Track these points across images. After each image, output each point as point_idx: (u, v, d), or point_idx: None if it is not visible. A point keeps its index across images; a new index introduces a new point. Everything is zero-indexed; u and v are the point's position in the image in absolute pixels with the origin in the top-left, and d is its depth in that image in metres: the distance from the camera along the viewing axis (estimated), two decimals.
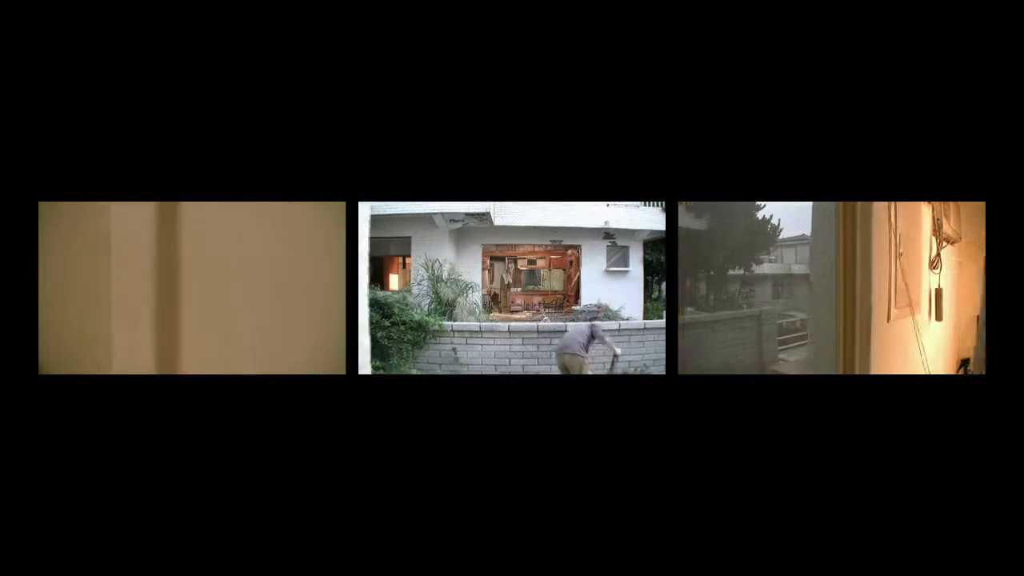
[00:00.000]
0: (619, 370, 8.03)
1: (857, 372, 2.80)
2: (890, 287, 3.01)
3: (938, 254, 3.52)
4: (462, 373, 7.92)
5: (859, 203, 2.89)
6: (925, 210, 3.46)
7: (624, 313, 9.53)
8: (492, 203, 10.05)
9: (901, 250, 3.10)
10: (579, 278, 10.80)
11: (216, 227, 2.59)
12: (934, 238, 3.52)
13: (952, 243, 3.80)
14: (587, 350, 6.47)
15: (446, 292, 9.28)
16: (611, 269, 10.82)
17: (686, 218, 2.68)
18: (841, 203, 2.88)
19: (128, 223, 2.49)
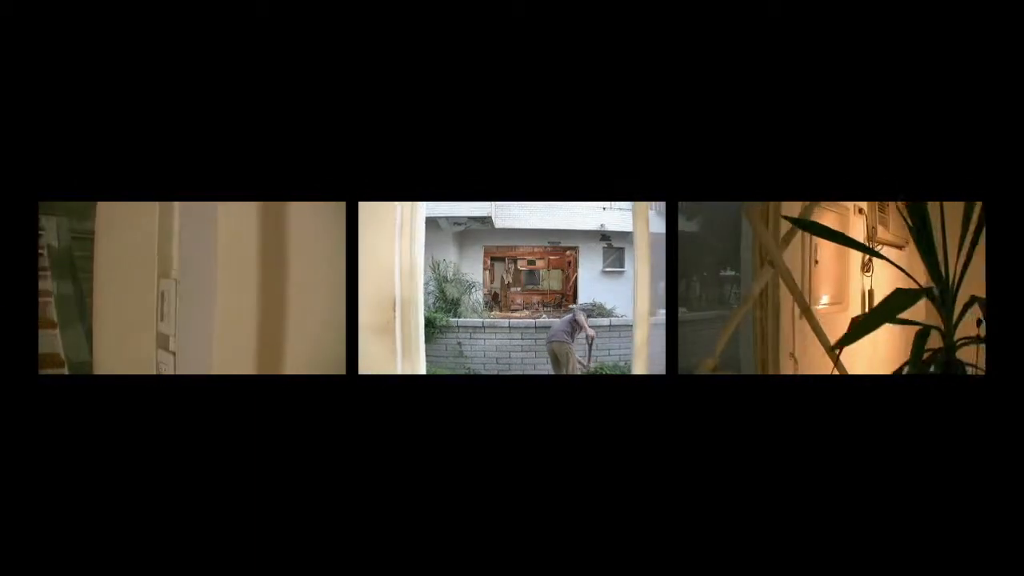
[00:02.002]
0: (611, 363, 7.97)
1: (770, 361, 2.94)
2: (803, 288, 3.07)
3: (868, 259, 3.65)
4: (466, 365, 7.90)
5: (771, 215, 2.94)
6: (857, 219, 3.62)
7: (618, 312, 9.45)
8: (493, 208, 9.93)
9: (817, 258, 3.16)
10: (576, 278, 10.67)
11: (320, 227, 2.54)
12: (870, 244, 3.66)
13: (899, 248, 3.90)
14: (572, 337, 6.80)
15: (451, 291, 9.21)
16: (607, 270, 10.68)
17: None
18: (758, 211, 2.94)
19: (231, 223, 2.38)
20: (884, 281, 3.71)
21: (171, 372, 2.53)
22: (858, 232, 3.63)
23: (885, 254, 3.15)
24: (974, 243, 2.26)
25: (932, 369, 2.25)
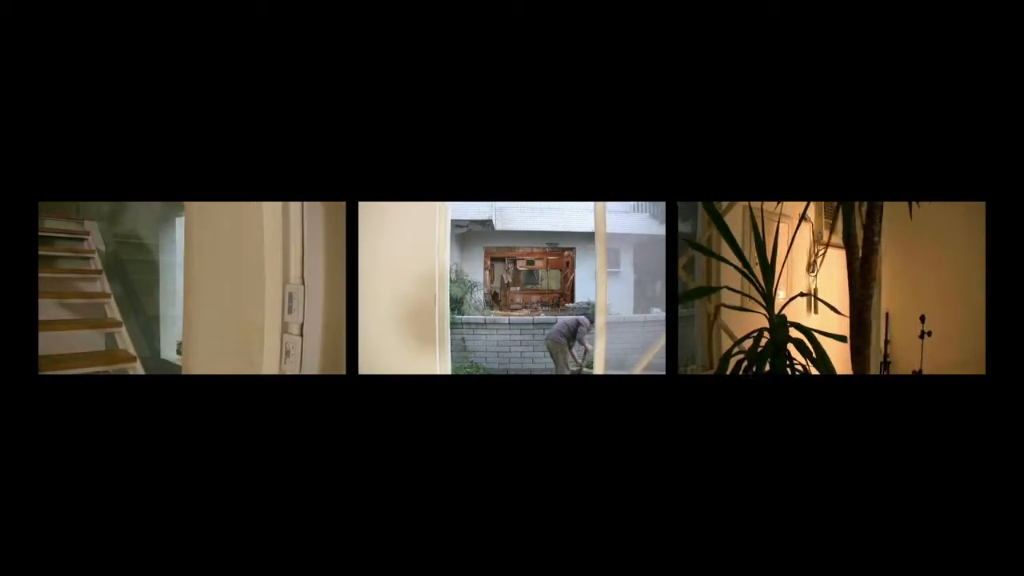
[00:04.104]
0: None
1: (713, 352, 3.19)
2: (742, 286, 3.19)
3: (813, 261, 3.95)
4: (469, 358, 7.86)
5: (716, 219, 3.06)
6: (803, 225, 3.89)
7: (614, 310, 9.34)
8: (493, 210, 9.82)
9: (756, 260, 3.23)
10: (574, 278, 10.55)
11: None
12: (815, 247, 3.99)
13: None
14: (569, 341, 6.98)
15: (454, 291, 9.13)
16: None
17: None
18: (705, 217, 3.16)
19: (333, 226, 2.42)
20: (828, 280, 3.88)
21: (298, 356, 2.53)
22: (803, 238, 3.89)
23: (833, 256, 3.43)
24: (789, 244, 2.41)
25: (763, 359, 2.19)
